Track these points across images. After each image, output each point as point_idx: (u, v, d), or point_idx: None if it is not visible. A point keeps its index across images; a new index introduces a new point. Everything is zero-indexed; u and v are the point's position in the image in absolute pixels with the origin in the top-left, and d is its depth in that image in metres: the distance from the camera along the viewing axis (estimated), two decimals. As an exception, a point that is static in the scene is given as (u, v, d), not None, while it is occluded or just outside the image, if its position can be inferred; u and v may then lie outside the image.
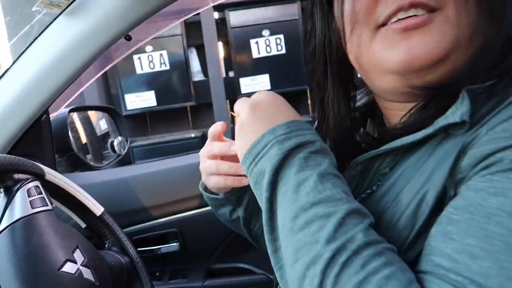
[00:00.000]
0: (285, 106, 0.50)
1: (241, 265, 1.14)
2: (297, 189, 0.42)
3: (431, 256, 0.37)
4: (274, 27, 2.86)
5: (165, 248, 1.15)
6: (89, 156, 1.39)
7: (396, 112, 0.53)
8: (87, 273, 0.62)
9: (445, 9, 0.43)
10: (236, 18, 2.81)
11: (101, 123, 1.62)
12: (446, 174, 0.40)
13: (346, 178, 0.49)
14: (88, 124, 1.54)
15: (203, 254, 1.16)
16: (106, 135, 1.58)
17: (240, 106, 0.52)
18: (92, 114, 1.58)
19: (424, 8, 0.43)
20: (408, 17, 0.43)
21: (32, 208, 0.63)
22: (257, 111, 0.49)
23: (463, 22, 0.43)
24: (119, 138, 1.57)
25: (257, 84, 2.96)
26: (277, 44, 2.88)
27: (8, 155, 0.66)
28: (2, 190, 0.64)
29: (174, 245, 1.15)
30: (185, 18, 1.17)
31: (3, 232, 0.59)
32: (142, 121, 3.03)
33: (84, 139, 1.45)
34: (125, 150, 1.56)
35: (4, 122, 0.94)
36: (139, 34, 1.23)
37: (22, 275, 0.55)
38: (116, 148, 1.54)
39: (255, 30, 2.85)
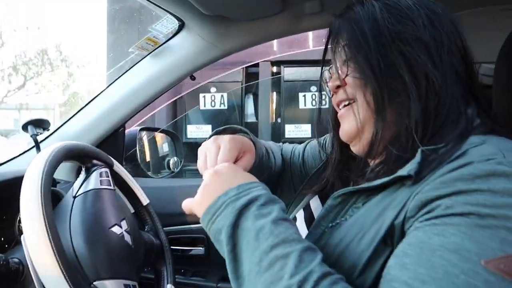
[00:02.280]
0: (241, 174, 0.58)
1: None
2: (257, 236, 0.48)
3: (391, 282, 0.44)
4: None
5: (193, 250, 1.32)
6: (149, 169, 1.64)
7: (370, 160, 0.67)
8: (127, 238, 0.82)
9: (357, 101, 0.61)
10: (290, 73, 3.11)
11: (164, 146, 1.89)
12: (396, 214, 0.49)
13: (326, 207, 0.59)
14: (153, 144, 1.81)
15: (223, 261, 1.30)
16: (165, 156, 1.84)
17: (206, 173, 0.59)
18: (159, 138, 1.85)
19: (346, 101, 0.63)
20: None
21: (101, 185, 0.85)
22: (218, 177, 0.57)
23: (369, 108, 0.59)
24: (175, 158, 1.82)
25: (299, 131, 3.17)
26: (322, 100, 3.09)
27: (93, 146, 0.90)
28: (84, 168, 0.87)
29: (200, 249, 1.32)
30: (240, 67, 1.42)
31: (79, 196, 0.81)
32: (197, 149, 3.34)
33: (148, 155, 1.72)
34: (178, 169, 1.80)
35: (95, 127, 1.22)
36: (203, 76, 1.50)
37: (86, 226, 0.75)
38: (171, 166, 1.78)
39: (304, 86, 3.12)
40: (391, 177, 0.52)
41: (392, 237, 0.49)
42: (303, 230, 0.67)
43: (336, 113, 0.70)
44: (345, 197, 0.58)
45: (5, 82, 10.59)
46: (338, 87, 0.64)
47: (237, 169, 0.60)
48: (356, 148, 0.65)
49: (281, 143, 1.01)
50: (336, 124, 0.71)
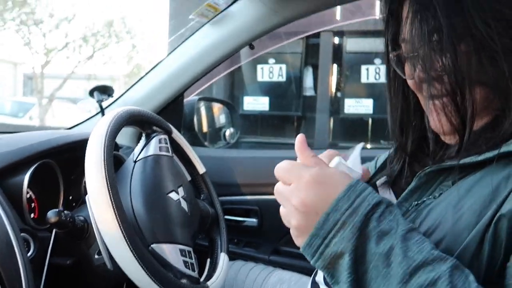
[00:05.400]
0: (337, 173, 0.47)
1: (304, 252, 1.25)
2: (387, 261, 0.40)
3: None
4: (387, 57, 2.90)
5: (246, 222, 1.34)
6: (205, 139, 1.67)
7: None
8: (183, 204, 0.83)
9: (459, 96, 0.49)
10: (353, 44, 2.95)
11: (221, 118, 1.90)
12: (507, 194, 0.43)
13: (410, 188, 0.54)
14: (210, 115, 1.83)
15: (275, 235, 1.30)
16: (222, 128, 1.85)
17: (293, 176, 0.46)
18: (215, 109, 1.87)
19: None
20: None
21: (160, 151, 0.86)
22: (315, 186, 0.45)
23: (477, 103, 0.49)
24: (231, 129, 1.83)
25: (360, 106, 3.04)
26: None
27: (153, 113, 0.92)
28: (144, 134, 0.89)
29: (253, 221, 1.33)
30: (300, 37, 1.36)
31: (139, 160, 0.83)
32: (254, 122, 3.36)
33: (205, 125, 1.75)
34: (234, 141, 1.81)
35: (156, 94, 1.25)
36: (262, 46, 1.47)
37: (145, 190, 0.77)
38: (227, 137, 1.80)
39: (368, 58, 2.95)
40: (497, 152, 0.45)
41: (508, 221, 0.42)
42: None
43: (408, 97, 0.60)
44: (432, 175, 0.52)
45: (76, 53, 11.32)
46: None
47: (327, 168, 0.48)
48: (452, 141, 0.55)
49: None
50: (411, 110, 0.62)
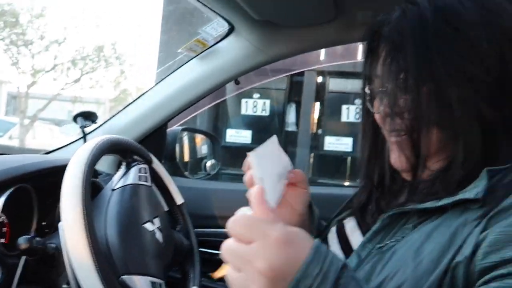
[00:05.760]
0: (298, 233, 0.42)
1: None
2: None
3: None
4: (367, 99, 3.02)
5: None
6: (186, 169, 1.67)
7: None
8: (158, 235, 0.83)
9: (418, 133, 0.53)
10: (335, 84, 3.08)
11: (203, 149, 1.91)
12: (461, 243, 0.45)
13: (374, 229, 0.55)
14: (192, 145, 1.84)
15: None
16: (203, 158, 1.86)
17: (256, 234, 0.40)
18: (198, 140, 1.88)
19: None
20: None
21: (139, 180, 0.87)
22: (281, 249, 0.39)
23: (436, 141, 0.53)
24: (213, 161, 1.84)
25: (340, 144, 3.13)
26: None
27: (135, 142, 0.93)
28: (124, 163, 0.90)
29: (229, 254, 1.31)
30: (285, 75, 1.42)
31: (117, 189, 0.83)
32: (236, 154, 3.39)
33: (187, 155, 1.75)
34: (214, 172, 1.82)
35: (139, 123, 1.25)
36: (247, 81, 1.51)
37: (121, 220, 0.77)
38: (207, 168, 1.80)
39: (349, 98, 3.07)
40: (454, 199, 0.48)
41: (464, 268, 0.44)
42: (337, 250, 0.63)
43: (377, 133, 0.63)
44: (394, 218, 0.54)
45: (63, 75, 11.29)
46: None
47: (288, 225, 0.42)
48: (410, 177, 0.58)
49: None
50: (379, 145, 0.64)
